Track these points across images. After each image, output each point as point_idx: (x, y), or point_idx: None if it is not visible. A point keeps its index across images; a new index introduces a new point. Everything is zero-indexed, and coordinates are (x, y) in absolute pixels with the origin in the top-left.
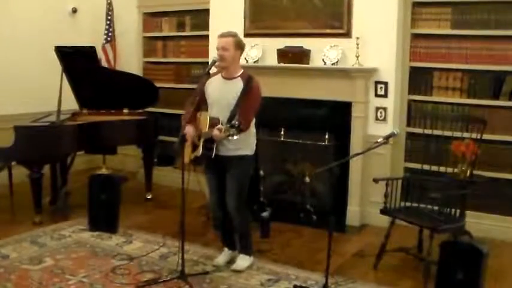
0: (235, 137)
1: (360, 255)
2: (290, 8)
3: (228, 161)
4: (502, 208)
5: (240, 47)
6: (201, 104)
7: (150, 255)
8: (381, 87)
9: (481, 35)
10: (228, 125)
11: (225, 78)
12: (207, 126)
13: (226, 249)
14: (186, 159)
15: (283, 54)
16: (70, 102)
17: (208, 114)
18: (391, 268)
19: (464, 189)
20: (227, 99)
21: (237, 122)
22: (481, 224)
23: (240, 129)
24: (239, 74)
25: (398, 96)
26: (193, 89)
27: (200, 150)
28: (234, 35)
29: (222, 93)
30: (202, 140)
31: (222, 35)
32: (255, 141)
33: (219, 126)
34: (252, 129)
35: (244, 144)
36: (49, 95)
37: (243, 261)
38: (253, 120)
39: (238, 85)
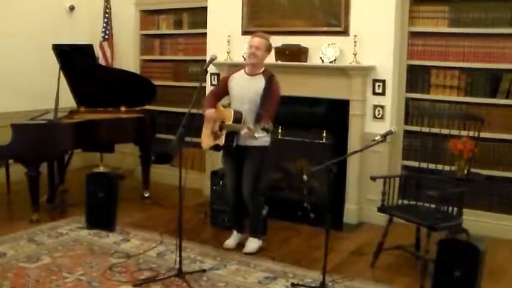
0: (260, 134)
1: (358, 253)
2: (288, 5)
3: (246, 151)
4: (499, 206)
5: (269, 50)
6: (222, 95)
7: (147, 253)
8: (378, 85)
9: (479, 33)
10: (260, 127)
11: (248, 74)
12: (231, 119)
13: (235, 232)
14: (205, 146)
15: (281, 52)
16: (67, 100)
17: (231, 107)
18: (389, 266)
19: (461, 187)
20: (249, 94)
21: (269, 127)
22: (478, 222)
23: (269, 132)
24: (261, 71)
25: (396, 94)
26: (191, 86)
27: (223, 140)
28: (267, 38)
29: (244, 88)
30: (224, 132)
31: (258, 35)
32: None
33: (250, 126)
34: None
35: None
36: (46, 92)
37: (252, 243)
38: None
39: (260, 82)
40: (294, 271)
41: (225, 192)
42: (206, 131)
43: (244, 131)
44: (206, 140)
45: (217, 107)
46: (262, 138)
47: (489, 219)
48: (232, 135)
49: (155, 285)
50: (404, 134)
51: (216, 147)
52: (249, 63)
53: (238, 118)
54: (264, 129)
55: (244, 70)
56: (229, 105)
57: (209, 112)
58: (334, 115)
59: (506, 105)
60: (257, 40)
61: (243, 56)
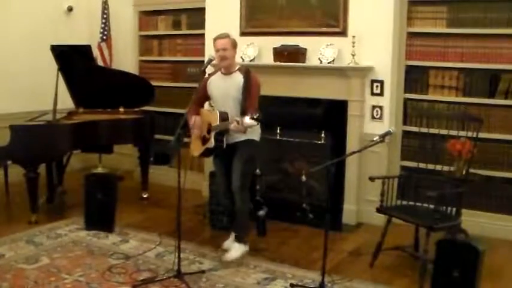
0: (249, 123)
1: (356, 253)
2: (286, 6)
3: (236, 146)
4: (498, 206)
5: (235, 45)
6: (203, 101)
7: (146, 254)
8: (376, 86)
9: (477, 33)
10: (250, 117)
11: (224, 74)
12: (218, 120)
13: (233, 233)
14: (196, 153)
15: (279, 53)
16: (66, 101)
17: (214, 109)
18: (388, 266)
19: (460, 188)
20: (230, 92)
21: (259, 116)
22: (477, 222)
23: (260, 121)
24: (237, 68)
25: (394, 94)
26: (189, 87)
27: (212, 142)
28: (229, 36)
29: (224, 88)
30: (213, 133)
31: (220, 37)
32: (259, 129)
33: (236, 118)
34: None
35: (249, 130)
36: (45, 93)
37: (236, 251)
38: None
39: (238, 79)
40: (293, 272)
41: (218, 195)
42: (195, 139)
43: (233, 125)
44: (195, 147)
45: (200, 113)
46: (250, 133)
47: (488, 220)
48: (221, 135)
49: (154, 286)
50: (402, 134)
51: (206, 153)
52: (222, 66)
53: (224, 118)
54: (254, 119)
55: (221, 71)
56: (213, 108)
57: (194, 120)
58: (333, 116)
59: (504, 106)
60: (221, 42)
61: (241, 57)
